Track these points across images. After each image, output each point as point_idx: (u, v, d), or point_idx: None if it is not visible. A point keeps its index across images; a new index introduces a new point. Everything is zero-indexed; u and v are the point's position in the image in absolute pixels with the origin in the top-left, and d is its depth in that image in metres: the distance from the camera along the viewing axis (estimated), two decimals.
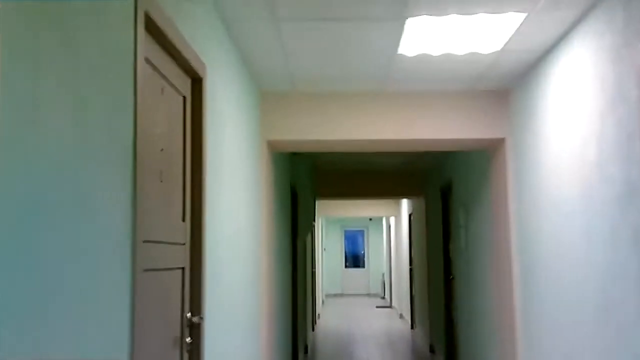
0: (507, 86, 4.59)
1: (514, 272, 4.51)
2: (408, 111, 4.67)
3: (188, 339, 2.58)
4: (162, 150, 2.32)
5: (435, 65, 4.07)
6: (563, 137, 3.56)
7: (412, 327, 11.74)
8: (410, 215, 11.89)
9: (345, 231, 22.35)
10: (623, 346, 2.79)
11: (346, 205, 15.42)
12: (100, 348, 1.66)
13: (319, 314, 13.82)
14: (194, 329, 2.64)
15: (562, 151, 3.59)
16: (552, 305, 3.78)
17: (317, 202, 14.29)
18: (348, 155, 8.25)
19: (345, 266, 22.27)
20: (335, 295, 21.53)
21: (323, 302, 18.02)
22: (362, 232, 22.35)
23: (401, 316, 13.91)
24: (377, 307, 17.05)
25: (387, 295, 18.49)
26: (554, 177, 3.72)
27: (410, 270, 11.83)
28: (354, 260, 22.34)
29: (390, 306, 16.90)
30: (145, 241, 1.98)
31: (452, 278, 7.22)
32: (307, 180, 9.34)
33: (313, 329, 11.41)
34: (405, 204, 13.00)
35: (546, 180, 3.87)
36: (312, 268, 11.46)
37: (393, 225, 15.94)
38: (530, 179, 4.21)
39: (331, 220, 21.64)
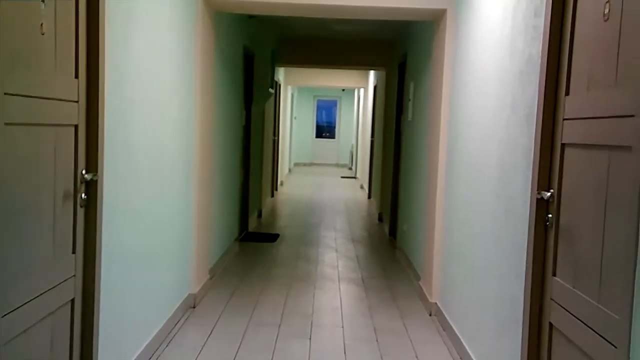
0: None
1: (442, 143, 4.59)
2: None
3: (83, 195, 2.64)
4: (43, 0, 2.23)
5: None
6: (490, 11, 3.49)
7: (369, 197, 12.10)
8: (374, 88, 11.83)
9: (318, 101, 22.29)
10: (510, 213, 2.93)
11: (319, 75, 15.23)
12: None
13: (281, 182, 14.10)
14: (91, 186, 2.69)
15: (487, 24, 3.53)
16: (467, 176, 3.90)
17: (285, 70, 14.09)
18: (310, 21, 8.03)
19: (317, 136, 22.45)
20: (305, 164, 21.88)
21: (290, 170, 18.33)
22: (335, 103, 22.31)
23: (362, 187, 14.28)
24: (342, 177, 17.43)
25: (353, 166, 18.85)
26: (479, 51, 3.69)
27: (372, 142, 11.98)
28: (328, 130, 22.49)
29: (355, 177, 17.28)
30: (9, 94, 1.96)
31: (400, 151, 7.34)
32: (267, 46, 9.14)
33: (272, 195, 11.70)
34: (372, 75, 12.90)
35: (473, 54, 3.85)
36: (274, 136, 11.53)
37: (362, 97, 15.91)
38: (462, 53, 4.17)
39: (303, 90, 21.48)
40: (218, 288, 5.14)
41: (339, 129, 22.29)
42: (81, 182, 2.62)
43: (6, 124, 1.96)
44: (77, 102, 2.57)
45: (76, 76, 2.56)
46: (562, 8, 2.39)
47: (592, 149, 2.08)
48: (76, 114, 2.56)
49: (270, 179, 11.14)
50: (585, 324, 2.04)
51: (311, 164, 22.02)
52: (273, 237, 7.50)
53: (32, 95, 2.15)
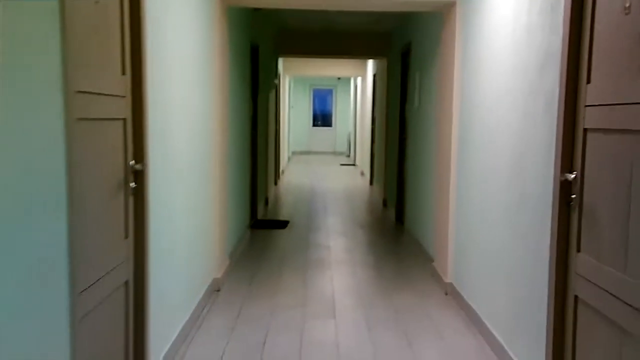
0: None
1: (454, 130, 4.76)
2: None
3: (132, 184, 2.80)
4: (96, 2, 2.37)
5: None
6: (503, 3, 3.65)
7: (370, 184, 12.28)
8: (374, 76, 11.98)
9: (314, 90, 22.41)
10: (527, 195, 3.11)
11: (315, 64, 15.37)
12: (37, 191, 1.85)
13: (282, 170, 14.26)
14: (139, 176, 2.85)
15: (501, 17, 3.69)
16: (480, 160, 4.07)
17: (282, 61, 14.21)
18: (313, 14, 8.17)
19: (314, 124, 22.59)
20: (302, 152, 22.03)
21: (289, 158, 18.48)
22: (330, 92, 22.43)
23: (362, 174, 14.46)
24: (341, 164, 17.60)
25: (351, 154, 19.01)
26: (493, 42, 3.85)
27: (372, 129, 12.14)
28: (323, 118, 22.62)
29: (354, 164, 17.45)
30: (79, 92, 2.12)
31: (405, 137, 7.52)
32: (270, 38, 9.27)
33: (276, 184, 11.86)
34: (370, 65, 13.03)
35: (486, 45, 4.01)
36: (276, 126, 11.68)
37: (359, 86, 16.05)
38: (474, 44, 4.33)
39: (299, 80, 21.59)
40: (238, 273, 5.32)
41: (335, 117, 22.43)
42: (131, 172, 2.78)
43: (78, 119, 2.12)
44: (124, 97, 2.72)
45: (123, 73, 2.71)
46: (580, 3, 2.56)
47: (616, 134, 2.26)
48: (124, 108, 2.72)
49: (274, 168, 11.30)
50: (612, 294, 2.23)
51: (308, 152, 22.17)
52: (283, 224, 7.68)
53: (94, 92, 2.30)
